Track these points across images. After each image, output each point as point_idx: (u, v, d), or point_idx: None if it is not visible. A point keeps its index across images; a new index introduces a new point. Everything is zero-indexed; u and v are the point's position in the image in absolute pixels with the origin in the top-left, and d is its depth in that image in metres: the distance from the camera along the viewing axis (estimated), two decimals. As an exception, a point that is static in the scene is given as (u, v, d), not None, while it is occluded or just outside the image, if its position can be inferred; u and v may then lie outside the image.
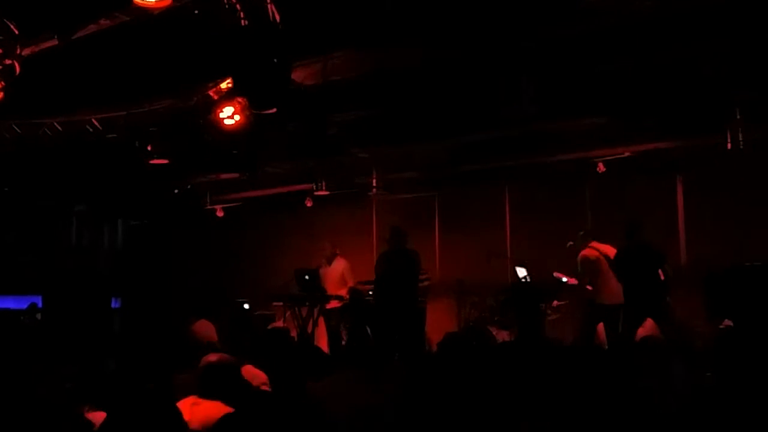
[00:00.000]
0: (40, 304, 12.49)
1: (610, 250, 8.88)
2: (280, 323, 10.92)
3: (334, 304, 10.17)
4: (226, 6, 6.03)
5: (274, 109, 6.89)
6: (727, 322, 8.16)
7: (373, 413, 3.73)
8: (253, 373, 4.97)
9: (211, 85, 8.03)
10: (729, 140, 8.61)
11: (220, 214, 13.62)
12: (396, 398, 4.04)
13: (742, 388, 4.18)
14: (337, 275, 10.42)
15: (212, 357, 4.27)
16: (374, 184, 11.46)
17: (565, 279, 9.36)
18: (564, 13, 6.59)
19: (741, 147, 8.51)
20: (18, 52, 7.00)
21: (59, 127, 9.14)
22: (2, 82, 7.20)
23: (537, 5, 6.56)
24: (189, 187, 12.65)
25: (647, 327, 8.28)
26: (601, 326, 8.94)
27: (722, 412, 3.78)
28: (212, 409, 3.82)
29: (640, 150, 9.69)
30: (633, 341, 7.99)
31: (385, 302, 8.88)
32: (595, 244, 9.08)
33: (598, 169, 10.03)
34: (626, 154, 9.80)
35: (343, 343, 10.13)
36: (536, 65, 7.55)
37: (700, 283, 8.91)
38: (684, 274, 9.55)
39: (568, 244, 9.41)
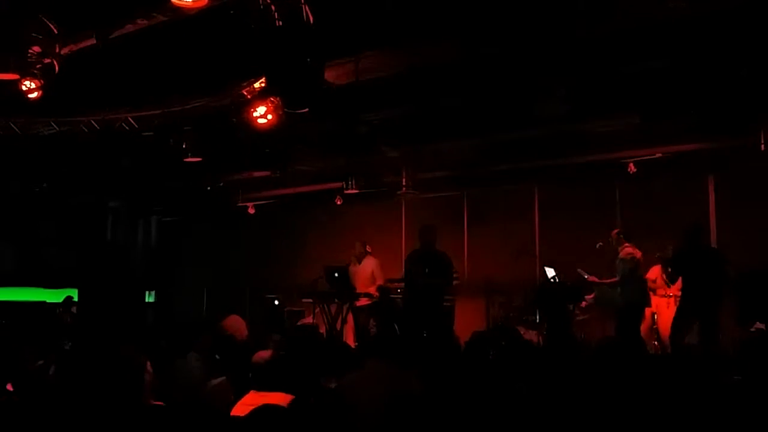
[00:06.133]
0: (75, 298, 12.76)
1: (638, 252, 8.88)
2: (309, 319, 11.04)
3: (363, 301, 10.24)
4: (261, 7, 6.11)
5: (307, 109, 6.96)
6: (759, 325, 8.09)
7: (399, 403, 3.79)
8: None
9: (244, 84, 8.14)
10: (762, 141, 8.53)
11: (251, 211, 13.78)
12: (422, 391, 4.10)
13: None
14: (367, 273, 10.49)
15: (264, 354, 4.40)
16: (404, 183, 11.50)
17: (586, 276, 9.31)
18: (598, 12, 6.57)
19: (774, 148, 8.43)
20: (57, 51, 7.17)
21: (96, 125, 9.32)
22: (41, 81, 7.38)
23: (571, 4, 6.55)
24: (221, 184, 12.81)
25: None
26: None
27: (751, 415, 3.78)
28: (278, 398, 3.96)
29: (672, 151, 9.60)
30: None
31: (413, 301, 8.92)
32: (629, 244, 9.02)
33: (628, 169, 9.95)
34: (657, 154, 9.71)
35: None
36: (569, 65, 7.53)
37: (731, 286, 8.84)
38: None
39: (598, 245, 9.38)
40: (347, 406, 3.93)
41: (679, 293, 8.49)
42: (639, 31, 6.78)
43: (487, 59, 7.54)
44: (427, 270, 8.72)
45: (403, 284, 9.41)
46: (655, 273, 9.52)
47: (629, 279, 8.85)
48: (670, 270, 8.79)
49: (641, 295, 8.90)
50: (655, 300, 9.41)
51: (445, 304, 9.15)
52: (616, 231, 9.21)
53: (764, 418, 3.67)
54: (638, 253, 8.89)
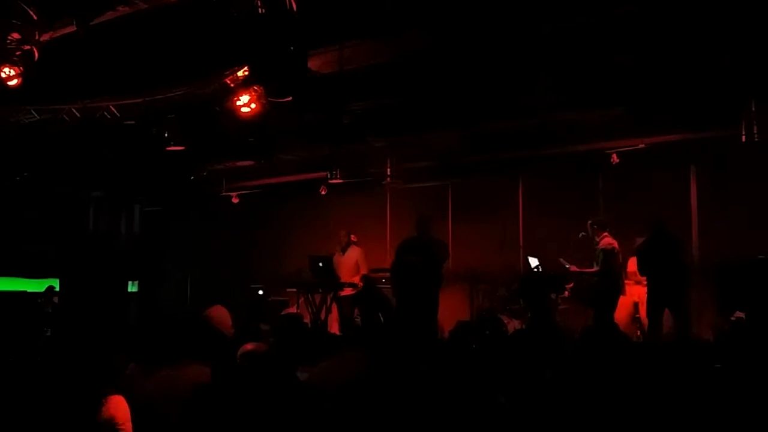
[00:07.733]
0: (57, 288, 12.64)
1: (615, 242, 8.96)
2: (293, 309, 11.01)
3: (347, 291, 10.23)
4: (244, -6, 6.07)
5: (291, 98, 6.93)
6: (739, 314, 8.17)
7: (376, 393, 3.79)
8: None
9: (228, 73, 8.08)
10: (744, 133, 8.58)
11: (235, 200, 13.73)
12: (402, 381, 4.09)
13: (753, 379, 4.21)
14: (352, 263, 10.47)
15: (249, 346, 4.36)
16: (388, 173, 11.49)
17: (568, 266, 9.36)
18: (582, 2, 6.58)
19: (756, 140, 8.47)
20: (37, 38, 7.09)
21: (77, 113, 9.23)
22: (21, 68, 7.29)
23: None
24: (205, 173, 12.76)
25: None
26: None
27: (732, 401, 3.81)
28: None
29: (655, 142, 9.66)
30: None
31: (402, 291, 8.89)
32: (607, 234, 9.07)
33: (611, 160, 10.00)
34: (641, 145, 9.77)
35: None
36: (553, 55, 7.54)
37: (712, 276, 8.93)
38: (696, 266, 9.55)
39: (580, 234, 9.42)
40: (319, 395, 3.92)
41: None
42: (623, 21, 6.79)
43: (472, 49, 7.54)
44: (417, 256, 8.74)
45: (388, 274, 9.40)
46: (634, 264, 9.58)
47: (607, 269, 8.91)
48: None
49: (616, 285, 8.98)
50: (637, 289, 9.47)
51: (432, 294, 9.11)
52: (590, 222, 9.27)
53: (744, 404, 3.71)
54: (615, 243, 8.96)
